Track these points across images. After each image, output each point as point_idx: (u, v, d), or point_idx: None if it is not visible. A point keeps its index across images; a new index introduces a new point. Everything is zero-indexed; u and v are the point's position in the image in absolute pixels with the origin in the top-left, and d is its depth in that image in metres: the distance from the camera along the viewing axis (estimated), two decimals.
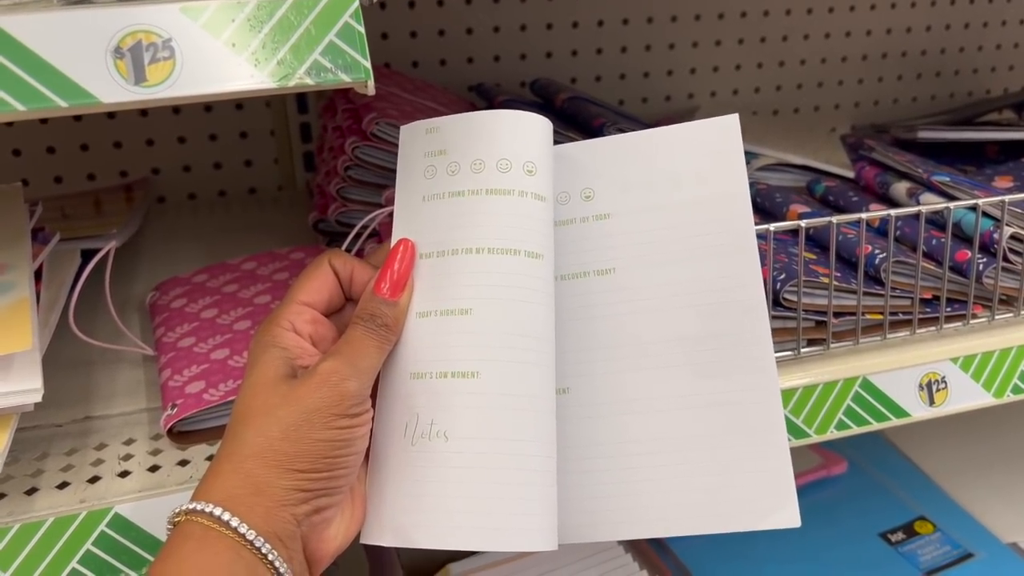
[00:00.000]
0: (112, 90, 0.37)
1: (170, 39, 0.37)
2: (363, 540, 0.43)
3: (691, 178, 0.47)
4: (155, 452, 0.50)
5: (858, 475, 0.95)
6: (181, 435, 0.51)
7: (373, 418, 0.43)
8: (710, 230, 0.46)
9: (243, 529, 0.38)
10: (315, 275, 0.44)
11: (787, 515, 0.44)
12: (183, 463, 0.49)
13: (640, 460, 0.45)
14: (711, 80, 1.04)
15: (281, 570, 0.38)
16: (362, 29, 0.39)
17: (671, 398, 0.46)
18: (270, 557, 0.38)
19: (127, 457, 0.50)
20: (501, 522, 0.41)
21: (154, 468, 0.49)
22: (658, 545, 0.85)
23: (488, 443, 0.42)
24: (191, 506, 0.38)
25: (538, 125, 0.46)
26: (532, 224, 0.45)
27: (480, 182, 0.44)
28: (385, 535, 0.42)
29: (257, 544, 0.38)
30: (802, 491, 0.99)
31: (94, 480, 0.48)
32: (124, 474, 0.48)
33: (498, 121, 0.45)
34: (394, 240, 0.46)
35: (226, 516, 0.38)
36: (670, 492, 0.45)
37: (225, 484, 0.39)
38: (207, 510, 0.38)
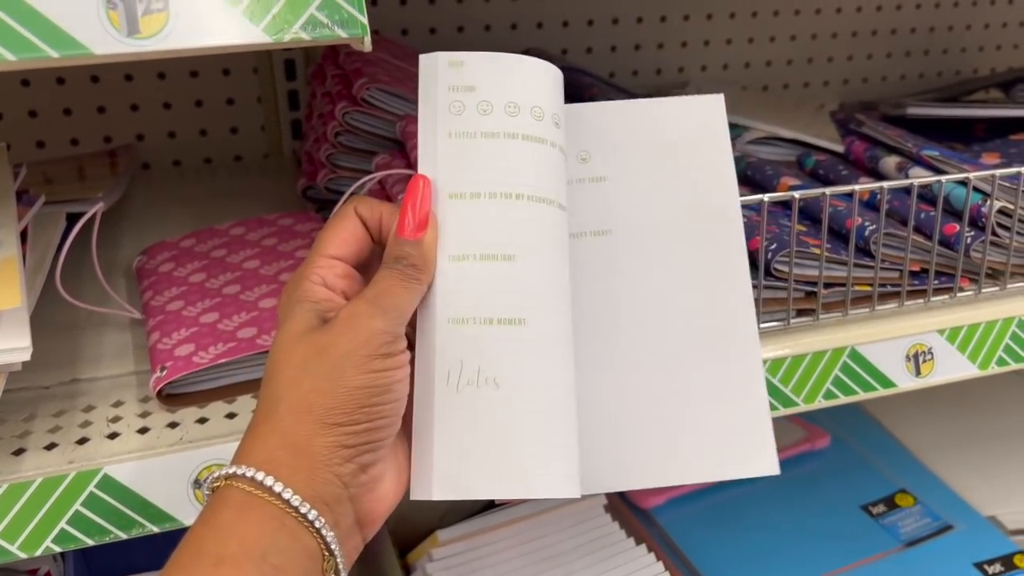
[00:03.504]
0: (105, 41, 0.36)
1: None
2: (413, 496, 0.41)
3: (681, 149, 0.49)
4: (144, 415, 0.50)
5: (841, 449, 0.96)
6: (170, 398, 0.50)
7: (413, 368, 0.41)
8: (699, 202, 0.48)
9: (287, 495, 0.36)
10: (342, 226, 0.42)
11: (767, 464, 0.46)
12: (173, 425, 0.49)
13: (629, 415, 0.47)
14: (702, 54, 1.03)
15: (327, 537, 0.36)
16: None
17: (660, 356, 0.47)
18: (316, 524, 0.36)
19: (116, 419, 0.49)
20: (549, 469, 0.41)
21: (143, 430, 0.48)
22: (643, 515, 0.86)
23: (538, 390, 0.41)
24: (231, 470, 0.36)
25: (560, 77, 0.46)
26: (561, 176, 0.45)
27: (516, 127, 0.44)
28: (434, 488, 0.40)
29: (303, 510, 0.36)
30: (786, 464, 0.99)
31: (83, 441, 0.48)
32: (113, 436, 0.48)
33: (529, 67, 0.45)
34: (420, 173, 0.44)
35: (268, 481, 0.36)
36: (658, 445, 0.46)
37: (265, 445, 0.37)
38: (248, 474, 0.36)
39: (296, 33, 0.38)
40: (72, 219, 0.60)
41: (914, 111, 0.85)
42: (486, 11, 0.94)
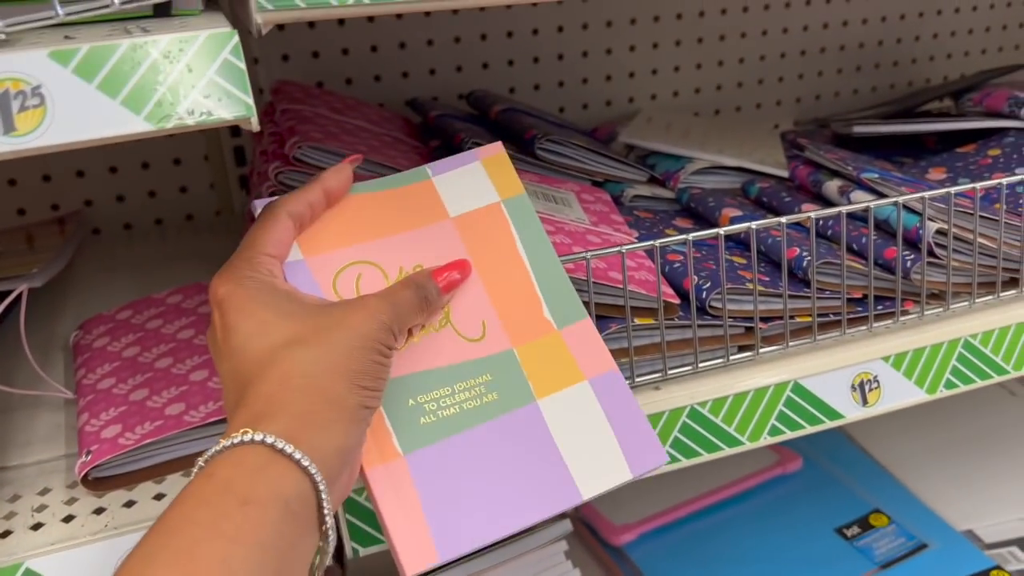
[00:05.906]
0: None
1: (39, 86, 0.36)
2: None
3: None
4: (71, 501, 0.49)
5: (813, 470, 0.95)
6: (97, 482, 0.49)
7: None
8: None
9: (305, 462, 0.37)
10: (274, 226, 0.44)
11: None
12: (99, 511, 0.48)
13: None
14: (651, 83, 1.03)
15: (321, 489, 0.38)
16: (243, 65, 0.38)
17: None
18: (317, 479, 0.37)
19: (41, 508, 0.49)
20: None
21: (68, 518, 0.48)
22: (615, 552, 0.85)
23: None
24: (259, 437, 0.37)
25: None
26: None
27: None
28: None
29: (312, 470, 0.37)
30: (759, 490, 0.98)
31: (5, 535, 0.47)
32: (37, 526, 0.47)
33: None
34: None
35: (288, 448, 0.37)
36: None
37: (299, 398, 0.38)
38: (280, 446, 0.37)
39: (180, 119, 0.38)
40: (5, 296, 0.60)
41: (860, 130, 0.85)
42: (430, 56, 0.94)
